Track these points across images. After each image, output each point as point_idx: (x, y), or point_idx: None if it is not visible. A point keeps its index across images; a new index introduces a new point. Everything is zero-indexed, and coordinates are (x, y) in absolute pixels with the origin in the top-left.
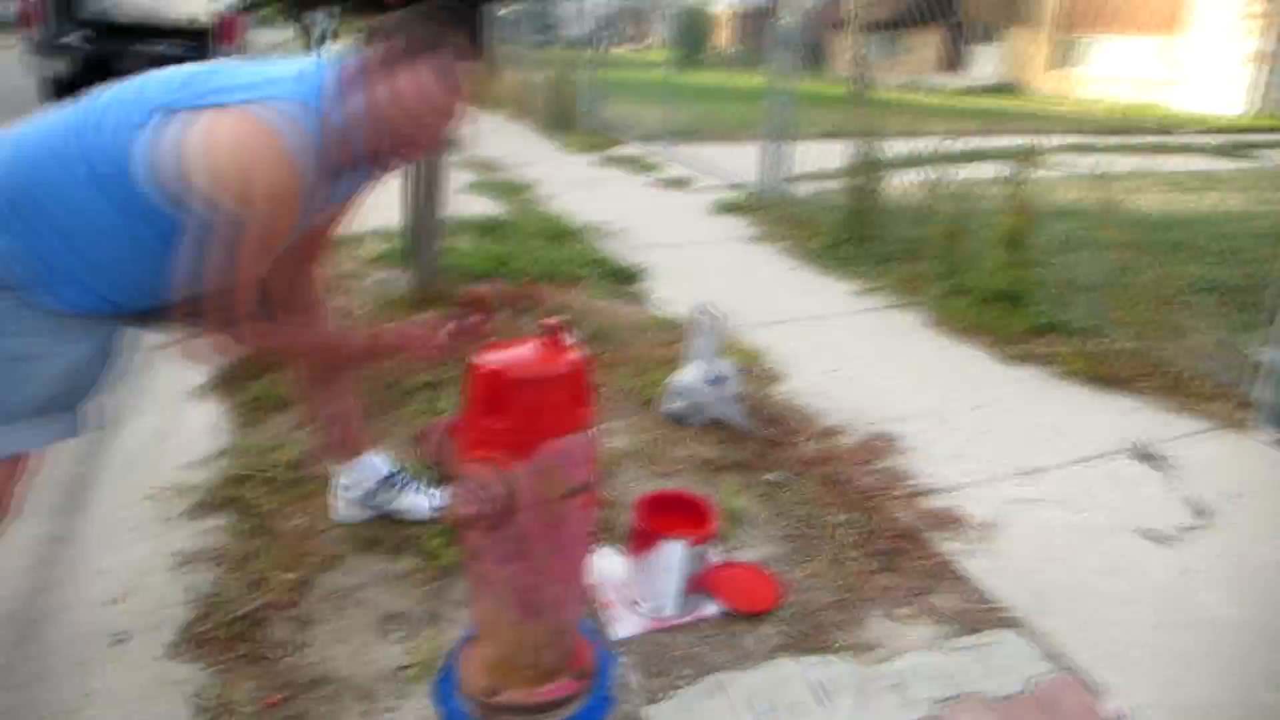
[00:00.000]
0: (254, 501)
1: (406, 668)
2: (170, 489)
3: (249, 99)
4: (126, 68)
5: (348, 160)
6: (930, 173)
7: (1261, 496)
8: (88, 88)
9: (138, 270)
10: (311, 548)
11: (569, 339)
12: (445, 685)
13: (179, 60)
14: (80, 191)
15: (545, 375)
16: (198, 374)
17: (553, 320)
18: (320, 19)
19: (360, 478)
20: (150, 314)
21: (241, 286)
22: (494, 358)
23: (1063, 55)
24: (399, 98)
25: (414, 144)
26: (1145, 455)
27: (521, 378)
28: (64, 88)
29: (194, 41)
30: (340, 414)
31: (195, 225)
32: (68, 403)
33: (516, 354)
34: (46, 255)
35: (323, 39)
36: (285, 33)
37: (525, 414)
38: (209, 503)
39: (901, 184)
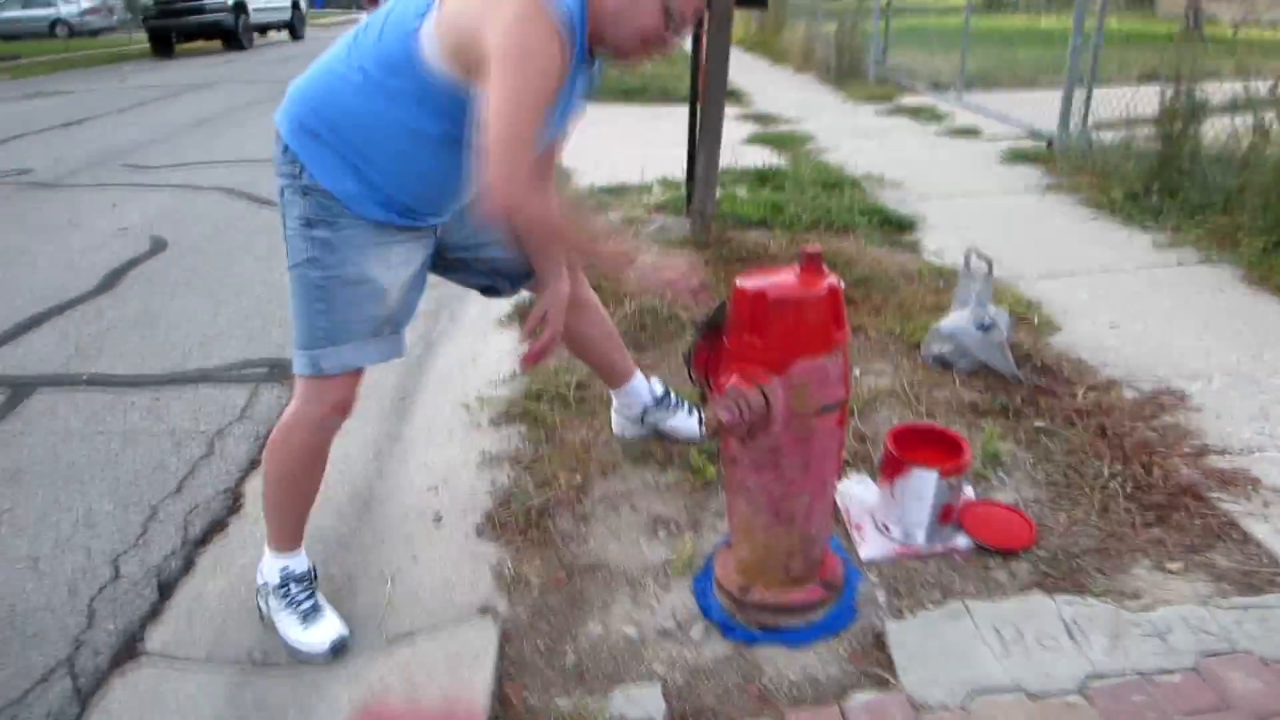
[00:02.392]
0: (545, 415)
1: (671, 563)
2: (478, 401)
3: None
4: None
5: (596, 44)
6: (1263, 116)
7: None
8: None
9: (427, 167)
10: (592, 456)
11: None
12: (703, 580)
13: None
14: (358, 99)
15: (803, 297)
16: (503, 305)
17: (812, 248)
18: None
19: (634, 399)
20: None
21: (517, 138)
22: (756, 280)
23: None
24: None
25: (642, 46)
26: None
27: (780, 298)
28: None
29: None
30: (596, 342)
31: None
32: (396, 324)
33: (777, 278)
34: (357, 165)
35: None
36: None
37: (783, 333)
38: (509, 414)
39: (1225, 129)
